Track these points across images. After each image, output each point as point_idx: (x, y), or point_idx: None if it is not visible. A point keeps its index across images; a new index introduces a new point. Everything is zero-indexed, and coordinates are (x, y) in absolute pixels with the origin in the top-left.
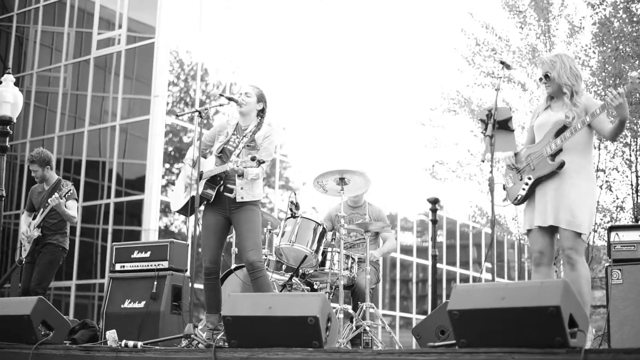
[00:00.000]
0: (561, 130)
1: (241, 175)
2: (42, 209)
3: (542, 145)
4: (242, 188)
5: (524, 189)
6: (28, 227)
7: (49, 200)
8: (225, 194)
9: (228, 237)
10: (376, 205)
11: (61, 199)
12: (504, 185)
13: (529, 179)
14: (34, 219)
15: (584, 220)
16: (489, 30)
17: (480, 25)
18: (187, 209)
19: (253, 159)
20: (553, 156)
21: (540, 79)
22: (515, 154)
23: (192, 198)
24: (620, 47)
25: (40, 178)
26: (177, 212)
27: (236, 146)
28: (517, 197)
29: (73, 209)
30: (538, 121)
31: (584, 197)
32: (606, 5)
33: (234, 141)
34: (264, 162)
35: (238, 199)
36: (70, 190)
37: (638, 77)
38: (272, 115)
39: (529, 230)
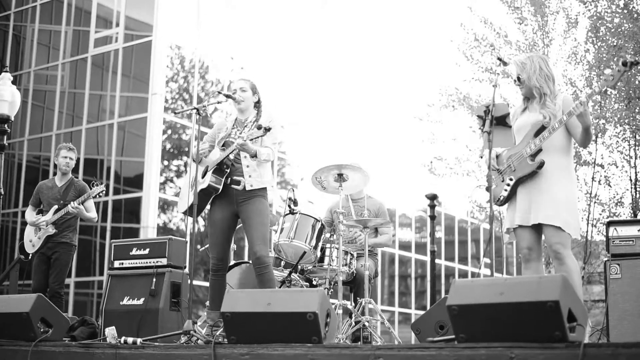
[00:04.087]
0: (540, 130)
1: (254, 156)
2: (57, 207)
3: (522, 146)
4: (250, 176)
5: (506, 190)
6: (34, 218)
7: (69, 209)
8: (233, 186)
9: None
10: (376, 199)
11: (80, 205)
12: (486, 187)
13: (510, 179)
14: (38, 213)
15: (567, 217)
16: (487, 25)
17: (479, 19)
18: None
19: (259, 127)
20: (533, 156)
21: (515, 81)
22: (497, 156)
23: (197, 196)
24: (621, 42)
25: (69, 169)
26: (184, 213)
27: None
28: (499, 198)
29: (92, 210)
30: (517, 124)
31: (566, 195)
32: (597, 3)
33: (236, 134)
34: (269, 128)
35: (248, 187)
36: (102, 192)
37: (611, 74)
38: (271, 112)
39: (513, 229)
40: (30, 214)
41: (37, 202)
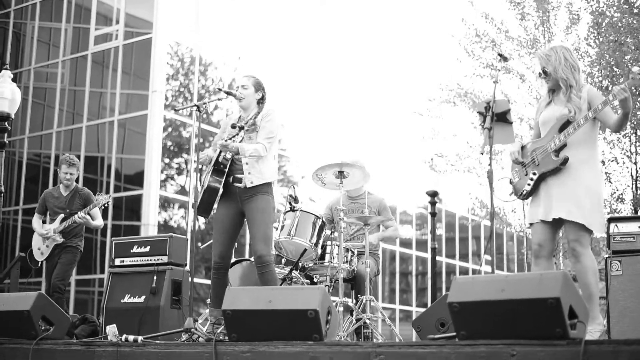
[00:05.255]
0: (565, 125)
1: (237, 153)
2: (63, 215)
3: (546, 140)
4: (249, 173)
5: (529, 184)
6: (43, 230)
7: (76, 219)
8: (235, 184)
9: None
10: (377, 195)
11: (87, 215)
12: (510, 179)
13: (534, 174)
14: (45, 222)
15: (589, 213)
16: (488, 20)
17: (480, 15)
18: (202, 209)
19: (233, 126)
20: (557, 152)
21: (540, 75)
22: (522, 147)
23: (202, 195)
24: (622, 38)
25: (71, 181)
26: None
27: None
28: (522, 192)
29: (98, 217)
30: (542, 117)
31: (588, 190)
32: None
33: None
34: (242, 127)
35: (248, 185)
36: (107, 202)
37: (639, 72)
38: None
39: (532, 224)
40: (37, 222)
41: (43, 210)
